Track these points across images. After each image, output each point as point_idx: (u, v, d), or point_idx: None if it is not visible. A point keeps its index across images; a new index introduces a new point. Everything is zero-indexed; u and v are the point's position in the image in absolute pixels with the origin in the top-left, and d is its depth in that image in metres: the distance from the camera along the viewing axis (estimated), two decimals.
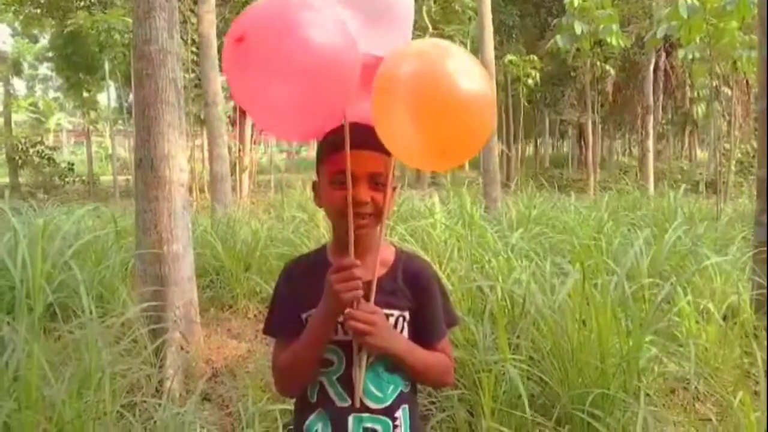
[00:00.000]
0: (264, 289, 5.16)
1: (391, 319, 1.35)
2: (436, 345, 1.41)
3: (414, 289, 1.39)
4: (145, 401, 3.01)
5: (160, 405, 2.85)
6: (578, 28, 13.16)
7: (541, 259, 4.13)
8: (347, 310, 1.27)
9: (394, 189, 1.41)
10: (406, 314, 1.37)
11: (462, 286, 3.67)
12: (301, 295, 1.39)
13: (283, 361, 1.37)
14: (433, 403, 3.00)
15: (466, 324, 3.12)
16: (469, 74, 1.24)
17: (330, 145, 1.36)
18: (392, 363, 1.35)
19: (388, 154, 1.35)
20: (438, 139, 1.26)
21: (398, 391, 1.37)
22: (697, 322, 3.71)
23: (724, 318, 3.80)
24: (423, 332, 1.39)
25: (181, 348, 3.91)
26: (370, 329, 1.26)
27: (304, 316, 1.37)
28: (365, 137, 1.32)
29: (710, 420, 2.95)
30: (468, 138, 1.29)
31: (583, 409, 2.61)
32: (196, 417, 2.87)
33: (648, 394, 2.83)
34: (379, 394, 1.34)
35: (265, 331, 1.48)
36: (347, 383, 1.34)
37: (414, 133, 1.25)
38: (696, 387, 3.18)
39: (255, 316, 5.12)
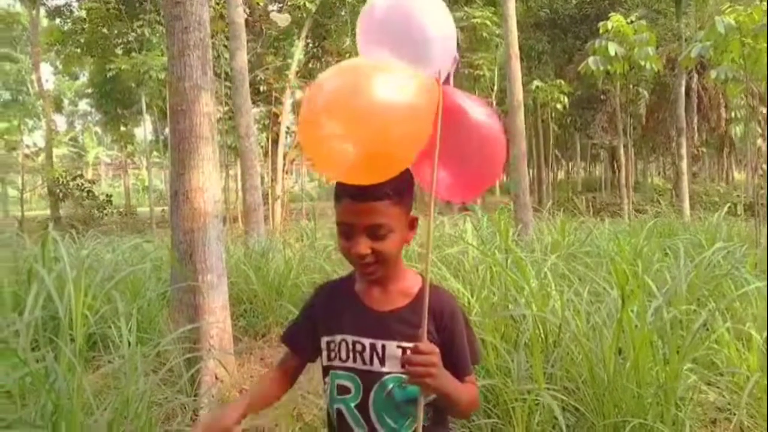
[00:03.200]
0: None
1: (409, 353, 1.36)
2: (464, 380, 1.40)
3: (437, 322, 1.38)
4: (180, 430, 3.05)
5: None
6: (612, 49, 13.12)
7: (578, 285, 4.09)
8: (407, 355, 1.27)
9: (414, 220, 1.41)
10: None
11: (495, 314, 3.64)
12: (323, 318, 1.44)
13: (258, 381, 1.44)
14: None
15: (498, 351, 3.10)
16: (391, 84, 1.26)
17: (335, 196, 1.36)
18: (412, 395, 1.34)
19: (390, 197, 1.32)
20: (361, 145, 1.23)
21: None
22: (737, 349, 3.61)
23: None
24: (451, 367, 1.36)
25: (216, 377, 3.95)
26: (432, 371, 1.24)
27: (325, 340, 1.41)
28: (364, 188, 1.29)
29: None
30: (389, 147, 1.26)
31: None
32: None
33: (687, 424, 2.76)
34: (394, 425, 1.35)
35: (282, 338, 1.53)
36: (364, 411, 1.36)
37: (337, 141, 1.23)
38: (738, 417, 3.08)
39: None
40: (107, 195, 24.98)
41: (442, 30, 1.42)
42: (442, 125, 1.35)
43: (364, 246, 1.31)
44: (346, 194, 1.31)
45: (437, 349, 1.27)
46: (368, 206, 1.30)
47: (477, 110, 1.46)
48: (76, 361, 2.57)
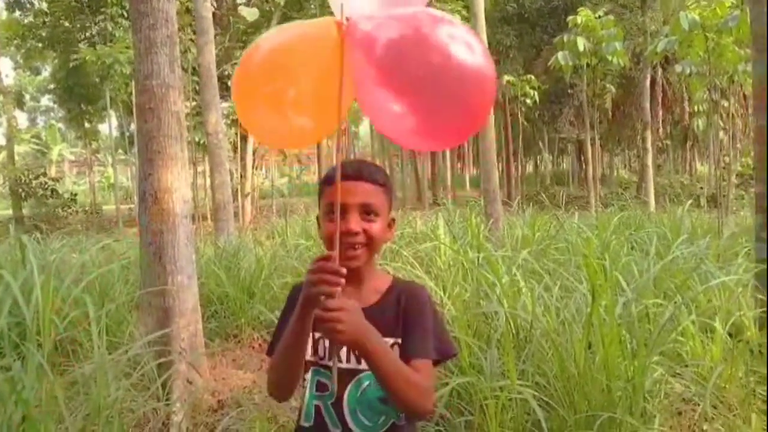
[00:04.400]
0: (268, 318, 5.17)
1: None
2: (412, 360, 1.33)
3: (406, 313, 1.39)
4: None
5: None
6: (581, 44, 13.31)
7: (548, 280, 4.14)
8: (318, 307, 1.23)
9: (393, 221, 1.46)
10: (399, 341, 1.38)
11: (468, 311, 3.68)
12: None
13: (273, 361, 1.40)
14: (440, 431, 3.00)
15: (471, 349, 3.13)
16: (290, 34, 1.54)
17: (325, 179, 1.42)
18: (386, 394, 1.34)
19: (381, 185, 1.41)
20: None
21: (390, 423, 1.38)
22: (701, 341, 3.71)
23: (730, 335, 3.80)
24: (403, 347, 1.35)
25: (188, 381, 3.91)
26: (339, 317, 1.19)
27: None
28: (358, 169, 1.39)
29: None
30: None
31: None
32: None
33: (655, 416, 2.83)
34: (368, 423, 1.36)
35: (268, 353, 1.51)
36: (338, 408, 1.37)
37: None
38: (702, 407, 3.17)
39: (260, 345, 5.12)
40: (72, 193, 24.41)
41: None
42: (394, 52, 1.33)
43: (357, 223, 1.35)
44: (343, 175, 1.35)
45: (357, 305, 1.26)
46: (364, 186, 1.38)
47: (449, 37, 1.30)
48: (47, 368, 2.52)
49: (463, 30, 1.33)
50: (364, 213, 1.37)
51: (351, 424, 1.36)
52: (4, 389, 2.46)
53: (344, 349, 1.37)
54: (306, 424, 1.41)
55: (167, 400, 3.55)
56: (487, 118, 1.35)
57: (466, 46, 1.30)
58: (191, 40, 13.78)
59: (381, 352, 1.26)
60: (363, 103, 1.43)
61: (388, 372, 1.26)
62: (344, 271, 1.23)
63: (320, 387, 1.39)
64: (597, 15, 13.81)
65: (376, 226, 1.38)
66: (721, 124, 17.49)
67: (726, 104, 16.72)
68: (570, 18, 13.95)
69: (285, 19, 20.65)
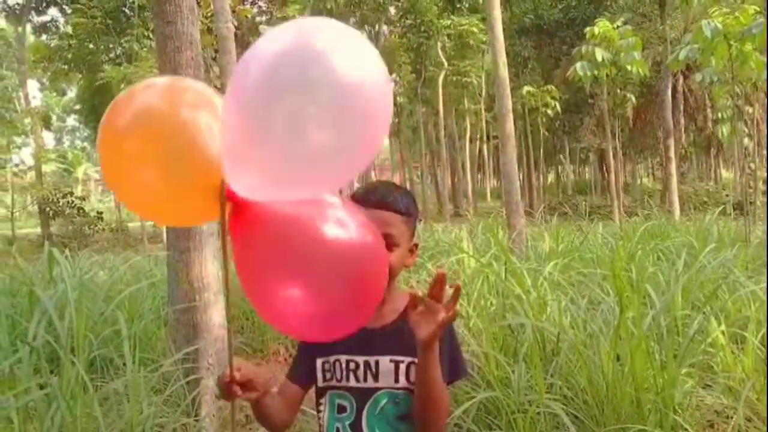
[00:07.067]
0: None
1: (402, 366, 1.38)
2: None
3: None
4: None
5: None
6: (599, 55, 13.26)
7: (573, 293, 4.12)
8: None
9: (415, 246, 1.46)
10: (416, 360, 1.36)
11: (494, 325, 3.67)
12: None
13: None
14: None
15: (498, 362, 3.12)
16: None
17: (353, 197, 1.42)
18: (404, 411, 1.36)
19: (403, 214, 1.39)
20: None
21: None
22: (732, 352, 3.65)
23: (763, 346, 3.73)
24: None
25: (216, 396, 3.95)
26: (437, 320, 1.21)
27: (320, 361, 1.45)
28: (382, 197, 1.37)
29: None
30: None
31: None
32: None
33: (686, 429, 2.79)
34: None
35: (286, 376, 1.55)
36: (357, 429, 1.38)
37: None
38: (735, 420, 3.12)
39: (285, 360, 5.16)
40: (98, 211, 24.81)
41: None
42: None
43: None
44: (364, 202, 1.36)
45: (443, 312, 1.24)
46: (384, 215, 1.36)
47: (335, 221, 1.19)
48: (82, 386, 2.58)
49: (357, 220, 1.22)
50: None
51: None
52: (42, 407, 2.52)
53: (360, 368, 1.39)
54: None
55: (197, 415, 3.59)
56: (379, 296, 1.24)
57: (355, 232, 1.20)
58: (213, 59, 14.01)
59: (439, 376, 1.29)
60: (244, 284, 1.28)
61: (442, 399, 1.30)
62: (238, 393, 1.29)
63: (339, 409, 1.41)
64: (615, 25, 13.76)
65: (393, 256, 1.36)
66: (746, 130, 17.24)
67: (750, 110, 16.51)
68: (587, 29, 13.91)
69: None
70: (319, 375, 1.45)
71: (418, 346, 1.25)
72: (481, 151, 39.41)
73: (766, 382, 3.16)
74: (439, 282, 1.20)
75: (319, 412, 1.46)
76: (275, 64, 1.05)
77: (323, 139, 1.05)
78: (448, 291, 1.22)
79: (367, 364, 1.39)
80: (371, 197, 1.37)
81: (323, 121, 1.04)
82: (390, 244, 1.36)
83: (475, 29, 23.57)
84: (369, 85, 1.06)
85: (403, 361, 1.38)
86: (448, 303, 1.20)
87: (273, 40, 1.09)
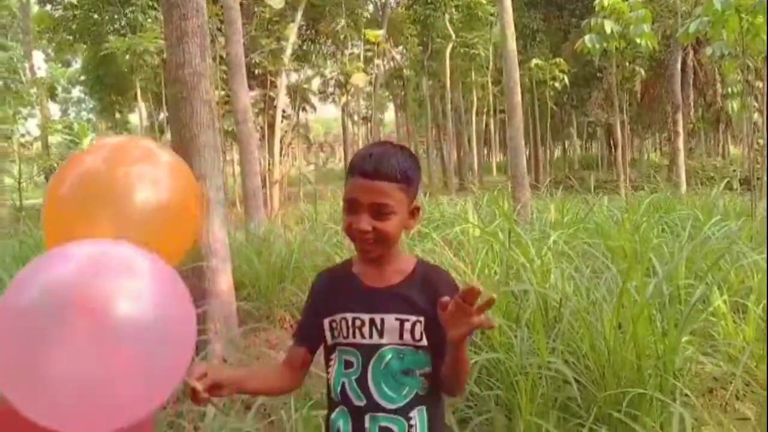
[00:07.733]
0: (300, 299, 5.27)
1: (407, 324, 1.40)
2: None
3: (431, 296, 1.38)
4: (190, 411, 3.13)
5: (204, 414, 2.97)
6: (608, 27, 13.10)
7: (578, 261, 4.15)
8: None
9: (416, 209, 1.46)
10: (422, 319, 1.40)
11: (497, 291, 3.71)
12: (324, 301, 1.50)
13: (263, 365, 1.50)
14: (470, 407, 3.05)
15: (501, 328, 3.17)
16: None
17: (350, 167, 1.42)
18: (409, 366, 1.41)
19: (399, 181, 1.37)
20: None
21: (413, 393, 1.42)
22: (734, 321, 3.69)
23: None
24: (442, 339, 1.35)
25: (223, 359, 4.03)
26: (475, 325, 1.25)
27: (327, 320, 1.47)
28: (376, 165, 1.36)
29: (749, 419, 2.95)
30: None
31: (620, 410, 2.64)
32: (243, 425, 2.97)
33: (685, 394, 2.84)
34: (393, 395, 1.41)
35: (292, 337, 1.60)
36: (363, 384, 1.42)
37: None
38: (733, 385, 3.17)
39: (291, 326, 5.23)
40: None
41: None
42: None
43: (366, 222, 1.36)
44: (359, 170, 1.37)
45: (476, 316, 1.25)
46: (377, 185, 1.35)
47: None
48: None
49: None
50: (376, 212, 1.36)
51: (376, 396, 1.40)
52: None
53: (366, 325, 1.42)
54: (335, 398, 1.47)
55: None
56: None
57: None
58: (218, 29, 13.93)
59: (465, 347, 1.33)
60: None
61: (466, 371, 1.40)
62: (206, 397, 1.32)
63: (347, 365, 1.45)
64: None
65: (389, 224, 1.37)
66: (756, 105, 17.07)
67: (761, 85, 16.33)
68: (597, 1, 13.71)
69: (311, 7, 20.68)
70: (328, 334, 1.48)
71: (449, 343, 1.29)
72: (487, 125, 39.19)
73: (766, 348, 3.20)
74: (473, 293, 1.20)
75: (328, 368, 1.50)
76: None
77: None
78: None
79: (372, 321, 1.42)
80: (366, 166, 1.36)
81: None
82: (386, 213, 1.36)
83: (483, 0, 23.26)
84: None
85: (408, 320, 1.41)
86: (479, 307, 1.21)
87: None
